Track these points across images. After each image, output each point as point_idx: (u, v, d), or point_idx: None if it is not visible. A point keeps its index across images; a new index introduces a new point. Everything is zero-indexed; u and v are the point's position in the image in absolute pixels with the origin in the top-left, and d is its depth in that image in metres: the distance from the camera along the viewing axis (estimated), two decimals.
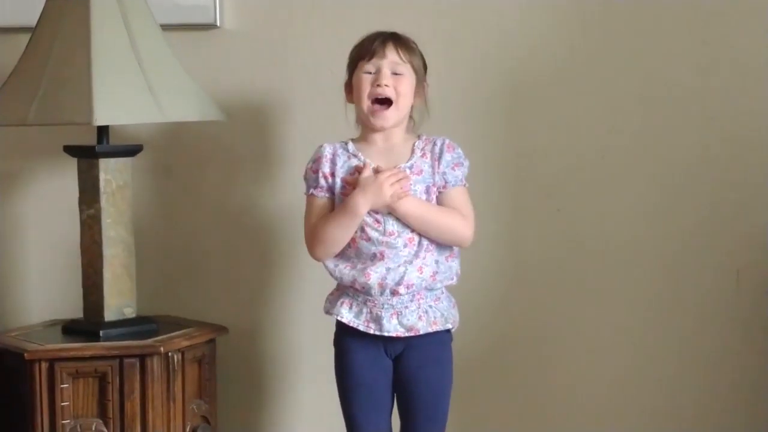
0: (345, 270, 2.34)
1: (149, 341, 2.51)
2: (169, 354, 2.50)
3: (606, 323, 2.77)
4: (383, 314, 2.33)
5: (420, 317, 2.34)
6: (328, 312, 2.40)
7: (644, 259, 2.75)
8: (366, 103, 2.34)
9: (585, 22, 2.72)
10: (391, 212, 2.31)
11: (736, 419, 2.74)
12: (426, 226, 2.32)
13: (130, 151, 2.62)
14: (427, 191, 2.34)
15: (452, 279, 2.39)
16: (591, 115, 2.74)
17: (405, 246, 2.32)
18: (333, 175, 2.36)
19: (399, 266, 2.31)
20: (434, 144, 2.37)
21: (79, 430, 2.48)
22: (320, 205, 2.37)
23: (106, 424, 2.48)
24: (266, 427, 2.88)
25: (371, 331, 2.34)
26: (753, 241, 2.71)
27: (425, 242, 2.33)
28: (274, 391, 2.87)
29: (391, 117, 2.34)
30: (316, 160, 2.38)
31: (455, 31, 2.75)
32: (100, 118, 2.40)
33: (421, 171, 2.35)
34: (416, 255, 2.32)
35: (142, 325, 2.60)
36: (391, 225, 2.32)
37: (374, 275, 2.30)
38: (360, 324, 2.34)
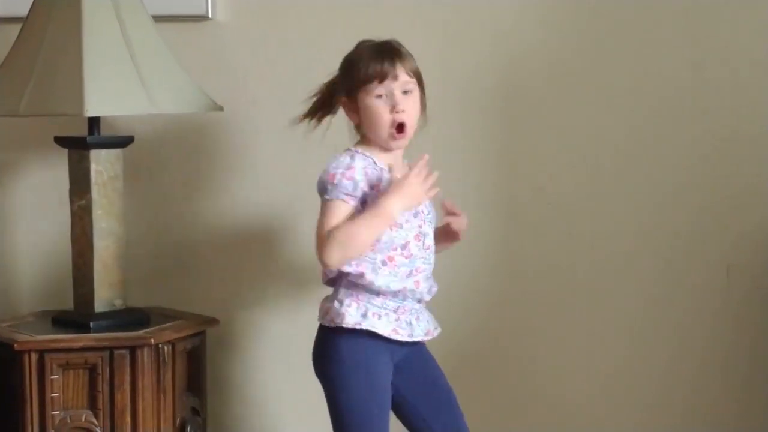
0: (391, 282, 2.24)
1: (139, 333, 2.51)
2: (160, 346, 2.50)
3: (598, 319, 2.77)
4: (412, 319, 2.29)
5: (428, 321, 2.34)
6: (356, 326, 2.23)
7: (635, 256, 2.75)
8: (386, 131, 2.24)
9: (578, 19, 2.72)
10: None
11: (727, 414, 2.75)
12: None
13: (121, 142, 2.61)
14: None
15: None
16: (584, 112, 2.74)
17: (432, 253, 2.32)
18: (371, 187, 2.24)
19: (429, 275, 2.31)
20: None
21: (68, 421, 2.47)
22: (346, 212, 2.22)
23: (95, 416, 2.48)
24: (256, 419, 2.88)
25: (404, 338, 2.26)
26: (743, 237, 2.72)
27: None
28: (264, 383, 2.87)
29: (408, 137, 2.27)
30: (350, 168, 2.23)
31: (449, 28, 2.74)
32: (92, 110, 2.40)
33: None
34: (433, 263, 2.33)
35: (132, 316, 2.60)
36: (430, 239, 2.30)
37: (423, 283, 2.28)
38: (392, 333, 2.25)
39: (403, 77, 2.25)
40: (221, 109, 2.68)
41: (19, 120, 2.76)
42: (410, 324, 2.28)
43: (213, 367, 2.78)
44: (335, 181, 2.23)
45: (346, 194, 2.22)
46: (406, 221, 2.25)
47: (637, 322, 2.77)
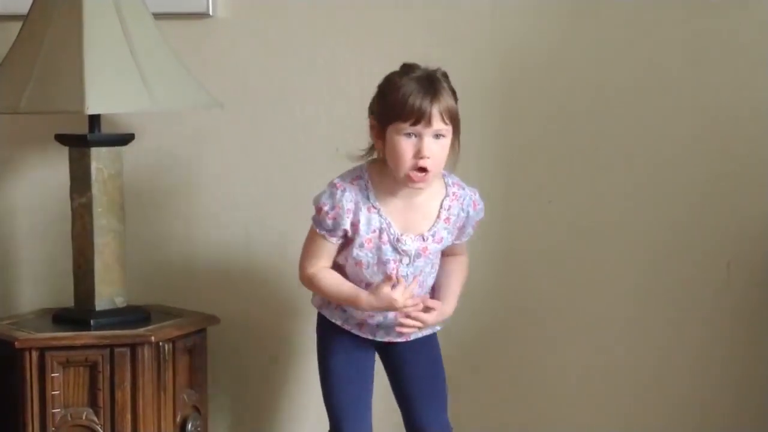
0: (340, 315, 2.36)
1: (140, 330, 2.50)
2: (160, 343, 2.50)
3: (597, 314, 2.78)
4: (376, 329, 2.35)
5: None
6: (318, 308, 2.40)
7: (635, 251, 2.75)
8: (404, 170, 2.21)
9: (576, 14, 2.71)
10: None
11: (726, 409, 2.75)
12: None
13: (122, 140, 2.61)
14: (439, 252, 2.34)
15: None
16: (584, 108, 2.74)
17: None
18: (355, 228, 2.26)
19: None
20: (460, 207, 2.31)
21: (69, 419, 2.47)
22: (328, 249, 2.29)
23: (96, 414, 2.48)
24: (257, 416, 2.88)
25: (363, 336, 2.34)
26: (743, 233, 2.72)
27: (431, 273, 2.34)
28: (265, 381, 2.87)
29: (429, 181, 2.23)
30: (336, 209, 2.25)
31: (448, 23, 2.74)
32: (92, 107, 2.39)
33: (441, 239, 2.31)
34: (423, 289, 2.34)
35: (132, 314, 2.60)
36: (403, 271, 2.30)
37: (371, 320, 2.33)
38: (352, 327, 2.35)
39: (437, 124, 2.19)
40: (222, 106, 2.67)
41: (20, 117, 2.76)
42: (373, 328, 2.34)
43: (214, 364, 2.78)
44: (320, 216, 2.27)
45: (329, 232, 2.27)
46: (374, 265, 2.28)
47: (637, 317, 2.77)
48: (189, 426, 2.59)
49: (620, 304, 2.77)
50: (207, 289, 2.85)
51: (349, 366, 2.37)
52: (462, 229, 2.35)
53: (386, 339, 2.35)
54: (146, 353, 2.48)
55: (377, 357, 2.43)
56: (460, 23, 2.74)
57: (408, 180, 2.22)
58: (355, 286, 2.29)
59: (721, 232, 2.73)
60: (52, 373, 2.45)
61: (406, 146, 2.19)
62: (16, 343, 2.45)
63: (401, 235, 2.26)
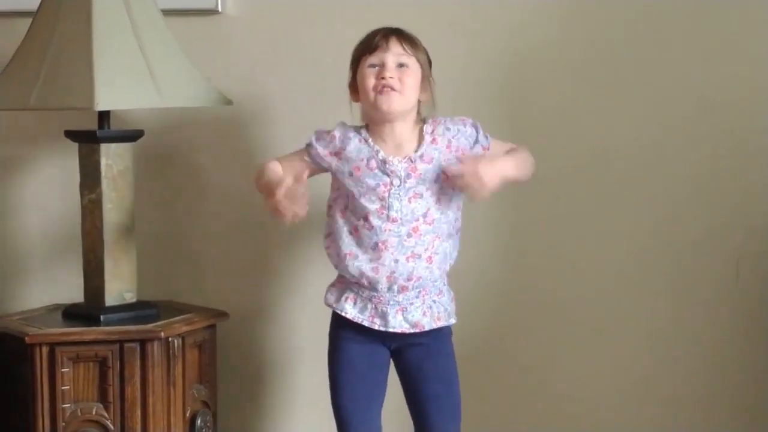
0: (351, 262, 2.32)
1: (150, 326, 2.51)
2: (170, 339, 2.50)
3: (606, 314, 2.77)
4: (389, 310, 2.32)
5: (424, 313, 2.34)
6: (330, 305, 2.39)
7: (645, 249, 2.75)
8: (371, 95, 2.31)
9: (587, 14, 2.71)
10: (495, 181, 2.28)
11: (737, 407, 2.74)
12: (520, 171, 2.36)
13: (132, 136, 2.61)
14: (437, 179, 2.33)
15: (453, 260, 2.39)
16: (593, 108, 2.74)
17: (409, 236, 2.31)
18: (338, 154, 2.35)
19: (408, 259, 2.30)
20: (445, 127, 2.35)
21: (79, 414, 2.48)
22: (296, 158, 2.39)
23: (106, 409, 2.48)
24: (266, 412, 2.89)
25: (376, 327, 2.33)
26: (753, 230, 2.71)
27: (433, 230, 2.32)
28: (275, 377, 2.87)
29: (395, 100, 2.30)
30: (330, 133, 2.37)
31: (455, 21, 2.74)
32: (102, 103, 2.40)
33: (432, 159, 2.32)
34: (424, 245, 2.31)
35: (142, 310, 2.61)
36: (395, 212, 2.31)
37: (383, 269, 2.30)
38: (365, 320, 2.34)
39: (397, 49, 2.31)
40: (231, 102, 2.68)
41: (30, 114, 2.76)
42: (385, 314, 2.32)
43: (223, 360, 2.78)
44: (314, 136, 2.39)
45: (310, 149, 2.38)
46: (365, 192, 2.30)
47: (647, 317, 2.76)
48: (198, 421, 2.60)
49: (629, 301, 2.76)
50: (216, 285, 2.85)
51: (359, 369, 2.36)
52: (468, 152, 2.35)
53: (399, 329, 2.32)
54: (156, 349, 2.48)
55: (392, 365, 2.42)
56: (468, 21, 2.74)
57: (377, 105, 2.30)
58: (273, 170, 2.35)
59: (730, 228, 2.72)
60: (62, 368, 2.46)
61: (369, 73, 2.31)
62: (26, 338, 2.46)
63: (389, 157, 2.31)
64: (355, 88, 2.37)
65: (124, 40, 2.48)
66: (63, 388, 2.46)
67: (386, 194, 2.30)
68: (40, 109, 2.48)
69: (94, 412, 2.48)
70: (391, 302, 2.32)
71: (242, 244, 2.85)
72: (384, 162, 2.31)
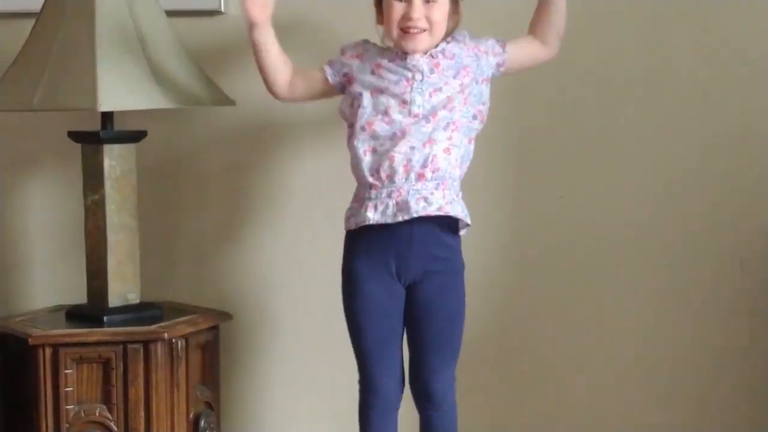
0: (368, 157, 2.30)
1: (153, 327, 2.51)
2: (173, 340, 2.50)
3: (609, 312, 2.77)
4: (409, 199, 2.28)
5: (446, 202, 2.30)
6: (353, 226, 2.32)
7: (648, 249, 2.74)
8: (396, 32, 2.30)
9: (589, 10, 2.71)
10: None
11: (742, 408, 2.74)
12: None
13: (135, 136, 2.61)
14: (457, 75, 2.31)
15: (468, 162, 2.38)
16: (594, 104, 2.73)
17: (428, 121, 2.29)
18: (360, 56, 2.35)
19: (424, 145, 2.28)
20: (462, 35, 2.36)
21: (82, 415, 2.48)
22: (313, 72, 2.40)
23: (109, 410, 2.48)
24: (270, 413, 2.88)
25: (399, 218, 2.27)
26: (757, 231, 2.71)
27: (451, 117, 2.30)
28: (278, 378, 2.87)
29: (423, 41, 2.29)
30: (355, 46, 2.38)
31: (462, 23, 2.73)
32: (105, 104, 2.40)
33: (453, 55, 2.32)
34: (444, 132, 2.29)
35: (145, 311, 2.61)
36: (417, 106, 2.29)
37: (398, 156, 2.27)
38: (388, 218, 2.28)
39: None
40: (234, 103, 2.68)
41: (33, 115, 2.76)
42: (407, 203, 2.27)
43: (227, 361, 2.78)
44: (336, 56, 2.39)
45: (330, 63, 2.38)
46: (387, 87, 2.29)
47: (650, 316, 2.76)
48: (202, 422, 2.60)
49: (633, 303, 2.76)
50: (220, 286, 2.85)
51: (381, 310, 2.33)
52: (487, 48, 2.37)
53: (423, 212, 2.27)
54: (159, 350, 2.48)
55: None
56: (471, 19, 2.73)
57: (400, 39, 2.29)
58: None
59: (734, 230, 2.72)
60: (66, 369, 2.46)
61: (396, 9, 2.28)
62: (30, 339, 2.46)
63: (409, 54, 2.31)
64: (380, 8, 2.35)
65: (128, 41, 2.48)
66: (66, 389, 2.46)
67: (408, 88, 2.30)
68: (43, 110, 2.48)
69: (97, 414, 2.48)
70: (411, 191, 2.28)
71: (246, 245, 2.85)
72: (406, 56, 2.30)
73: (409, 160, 2.27)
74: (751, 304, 2.72)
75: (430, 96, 2.30)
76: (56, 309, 2.74)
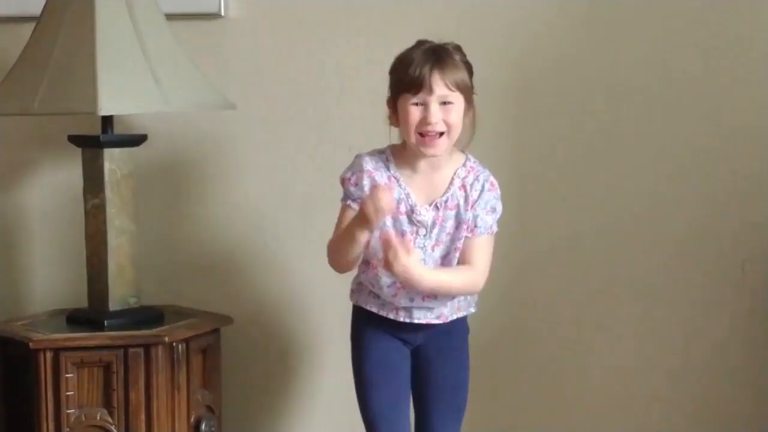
0: (371, 295, 2.33)
1: (154, 331, 2.51)
2: (174, 344, 2.50)
3: (611, 314, 2.77)
4: (412, 305, 2.31)
5: (445, 305, 2.32)
6: (356, 303, 2.36)
7: (650, 250, 2.74)
8: (414, 136, 2.24)
9: (589, 12, 2.71)
10: (399, 276, 2.21)
11: (741, 408, 2.74)
12: (438, 293, 2.29)
13: (135, 140, 2.61)
14: (458, 226, 2.29)
15: (473, 306, 2.40)
16: (597, 106, 2.73)
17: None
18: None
19: (424, 298, 2.28)
20: (476, 179, 2.30)
21: (83, 419, 2.47)
22: (349, 218, 2.28)
23: (110, 414, 2.48)
24: (271, 417, 2.88)
25: (401, 319, 2.30)
26: (758, 232, 2.70)
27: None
28: (279, 381, 2.87)
29: (442, 145, 2.24)
30: (357, 173, 2.28)
31: (462, 22, 2.73)
32: (105, 108, 2.40)
33: (456, 206, 2.29)
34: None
35: (146, 314, 2.60)
36: (420, 243, 2.28)
37: (402, 301, 2.29)
38: (389, 313, 2.31)
39: (441, 90, 2.21)
40: (234, 106, 2.67)
41: (33, 119, 2.76)
42: (409, 308, 2.29)
43: (228, 365, 2.78)
44: (344, 187, 2.29)
45: (353, 200, 2.27)
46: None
47: (652, 317, 2.75)
48: (203, 426, 2.59)
49: (635, 303, 2.76)
50: (220, 290, 2.85)
51: (389, 367, 2.34)
52: (475, 218, 2.30)
53: (424, 320, 2.30)
54: (160, 354, 2.47)
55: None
56: (474, 22, 2.74)
57: (419, 144, 2.24)
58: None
59: (736, 231, 2.71)
60: (67, 373, 2.46)
61: (413, 114, 2.23)
62: (30, 343, 2.45)
63: (417, 206, 2.27)
64: (394, 108, 2.28)
65: (128, 45, 2.48)
66: (67, 393, 2.46)
67: (411, 242, 2.26)
68: (43, 114, 2.48)
69: (98, 418, 2.48)
70: (409, 303, 2.31)
71: (246, 249, 2.85)
72: (412, 210, 2.27)
73: (410, 305, 2.30)
74: (753, 305, 2.71)
75: (432, 249, 2.29)
76: (57, 313, 2.74)
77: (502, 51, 2.73)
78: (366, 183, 2.26)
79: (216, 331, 2.67)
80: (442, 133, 2.23)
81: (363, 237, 2.21)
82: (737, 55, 2.68)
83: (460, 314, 2.36)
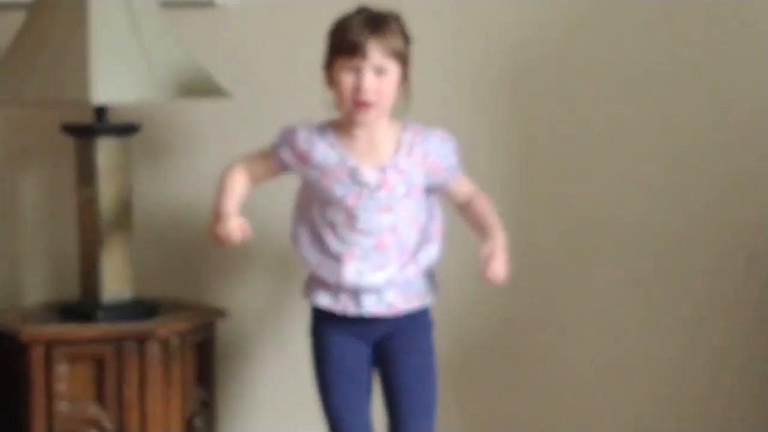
0: (316, 270, 2.30)
1: (148, 324, 2.50)
2: (168, 338, 2.48)
3: (614, 308, 2.76)
4: (361, 294, 2.27)
5: (398, 294, 2.29)
6: (306, 297, 2.36)
7: (653, 245, 2.73)
8: (348, 103, 2.23)
9: (591, 7, 2.69)
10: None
11: (744, 407, 2.73)
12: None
13: (128, 130, 2.59)
14: (408, 193, 2.26)
15: (431, 260, 2.33)
16: (597, 99, 2.72)
17: (376, 249, 2.25)
18: (304, 159, 2.28)
19: (374, 269, 2.25)
20: (425, 139, 2.27)
21: (75, 414, 2.46)
22: (261, 161, 2.35)
23: (103, 408, 2.47)
24: (266, 411, 2.87)
25: (349, 311, 2.28)
26: (762, 227, 2.69)
27: (400, 244, 2.26)
28: (273, 376, 2.86)
29: (372, 113, 2.23)
30: (294, 134, 2.30)
31: (458, 14, 2.72)
32: (98, 97, 2.38)
33: (404, 171, 2.26)
34: (390, 259, 2.26)
35: (140, 307, 2.58)
36: (363, 222, 2.25)
37: (348, 277, 2.26)
38: (337, 307, 2.29)
39: (375, 58, 2.20)
40: (229, 95, 2.65)
41: (25, 108, 2.75)
42: (358, 297, 2.27)
43: (222, 359, 2.77)
44: (278, 136, 2.33)
45: (278, 149, 2.31)
46: (332, 201, 2.25)
47: (654, 312, 2.75)
48: (197, 421, 2.59)
49: (637, 300, 2.75)
50: (215, 283, 2.83)
51: (348, 367, 2.32)
52: (440, 171, 2.28)
53: (374, 309, 2.27)
54: (154, 347, 2.46)
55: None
56: (470, 14, 2.72)
57: (353, 113, 2.23)
58: (229, 194, 2.32)
59: (739, 227, 2.70)
60: (59, 367, 2.44)
61: (346, 80, 2.22)
62: (22, 336, 2.44)
63: (360, 167, 2.25)
64: (330, 73, 2.28)
65: (121, 33, 2.46)
66: (59, 387, 2.44)
67: (355, 204, 2.24)
68: (35, 103, 2.47)
69: (91, 412, 2.47)
70: (356, 289, 2.28)
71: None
72: (354, 171, 2.25)
73: (358, 283, 2.26)
74: (757, 301, 2.70)
75: (378, 213, 2.25)
76: (49, 306, 2.72)
77: (499, 44, 2.71)
78: (299, 147, 2.28)
79: (210, 324, 2.66)
80: (372, 102, 2.21)
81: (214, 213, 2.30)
82: (741, 47, 2.67)
83: (416, 305, 2.31)
